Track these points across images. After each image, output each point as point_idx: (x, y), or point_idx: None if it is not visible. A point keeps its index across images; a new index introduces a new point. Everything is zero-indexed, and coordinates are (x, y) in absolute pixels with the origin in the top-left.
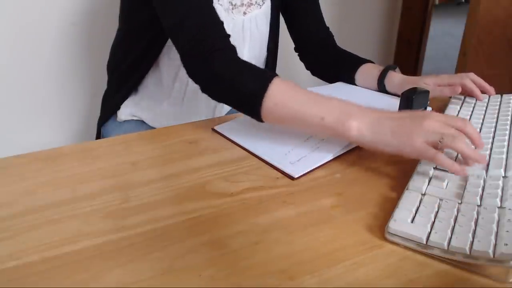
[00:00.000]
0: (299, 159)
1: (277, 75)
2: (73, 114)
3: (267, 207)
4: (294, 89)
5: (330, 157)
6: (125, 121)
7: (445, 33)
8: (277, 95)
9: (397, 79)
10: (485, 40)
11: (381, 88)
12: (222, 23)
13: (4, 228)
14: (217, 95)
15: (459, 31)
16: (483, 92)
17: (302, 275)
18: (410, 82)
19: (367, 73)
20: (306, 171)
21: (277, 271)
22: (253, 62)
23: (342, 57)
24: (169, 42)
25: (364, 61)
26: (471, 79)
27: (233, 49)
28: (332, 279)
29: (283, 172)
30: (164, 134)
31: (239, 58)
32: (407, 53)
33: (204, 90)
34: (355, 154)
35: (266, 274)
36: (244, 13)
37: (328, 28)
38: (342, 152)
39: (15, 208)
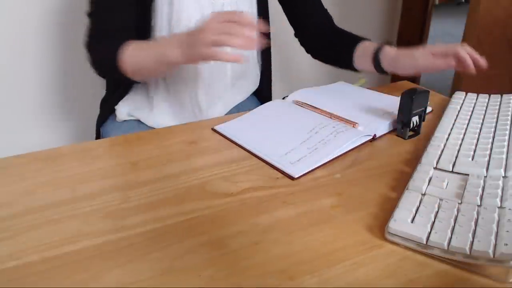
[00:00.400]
0: (299, 159)
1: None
2: (73, 114)
3: (267, 207)
4: (134, 48)
5: (330, 157)
6: (124, 121)
7: (445, 33)
8: (124, 58)
9: (391, 53)
10: (485, 40)
11: (376, 63)
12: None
13: (4, 228)
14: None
15: (459, 31)
16: (476, 65)
17: (302, 275)
18: (404, 54)
19: (364, 50)
20: (306, 171)
21: (277, 271)
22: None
23: (341, 38)
24: None
25: (362, 39)
26: (465, 50)
27: (109, 41)
28: (332, 279)
29: (283, 172)
30: (164, 134)
31: (109, 46)
32: None
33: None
34: (355, 154)
35: (266, 274)
36: None
37: (326, 10)
38: (342, 152)
39: (15, 208)
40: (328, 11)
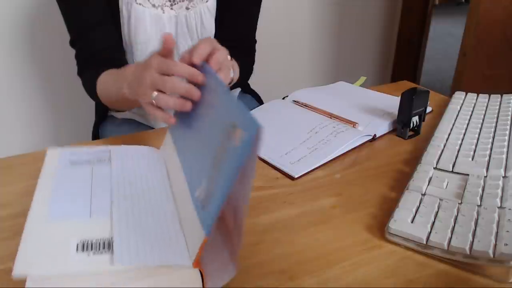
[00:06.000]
0: (299, 159)
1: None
2: (72, 114)
3: (267, 207)
4: (103, 79)
5: (330, 157)
6: (123, 120)
7: (445, 33)
8: (98, 90)
9: None
10: (485, 40)
11: None
12: (91, 28)
13: (4, 228)
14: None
15: (459, 31)
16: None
17: (302, 275)
18: None
19: None
20: (306, 171)
21: (278, 271)
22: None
23: None
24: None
25: None
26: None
27: (91, 54)
28: (332, 279)
29: (283, 172)
30: (164, 134)
31: (90, 63)
32: (407, 53)
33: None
34: (355, 154)
35: (266, 274)
36: (187, 8)
37: (255, 40)
38: (341, 152)
39: (15, 208)
40: (328, 11)
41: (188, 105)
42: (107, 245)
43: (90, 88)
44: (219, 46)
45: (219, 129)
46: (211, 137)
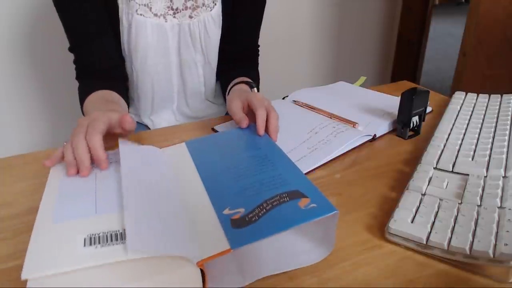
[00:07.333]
0: (299, 159)
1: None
2: (72, 115)
3: None
4: (89, 102)
5: (330, 157)
6: None
7: (445, 33)
8: (84, 105)
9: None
10: (485, 40)
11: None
12: (90, 38)
13: (4, 228)
14: None
15: (459, 31)
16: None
17: (302, 275)
18: (229, 99)
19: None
20: (306, 171)
21: None
22: (207, 68)
23: (236, 76)
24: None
25: (241, 82)
26: (269, 117)
27: (84, 67)
28: (332, 279)
29: None
30: (163, 135)
31: (87, 76)
32: (407, 53)
33: None
34: (355, 154)
35: None
36: (190, 16)
37: (258, 45)
38: (341, 152)
39: (15, 208)
40: (328, 11)
41: (70, 172)
42: (115, 237)
43: (80, 98)
44: (270, 107)
45: (275, 185)
46: (260, 183)
